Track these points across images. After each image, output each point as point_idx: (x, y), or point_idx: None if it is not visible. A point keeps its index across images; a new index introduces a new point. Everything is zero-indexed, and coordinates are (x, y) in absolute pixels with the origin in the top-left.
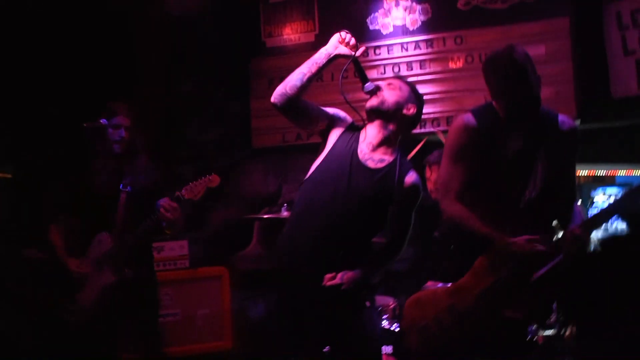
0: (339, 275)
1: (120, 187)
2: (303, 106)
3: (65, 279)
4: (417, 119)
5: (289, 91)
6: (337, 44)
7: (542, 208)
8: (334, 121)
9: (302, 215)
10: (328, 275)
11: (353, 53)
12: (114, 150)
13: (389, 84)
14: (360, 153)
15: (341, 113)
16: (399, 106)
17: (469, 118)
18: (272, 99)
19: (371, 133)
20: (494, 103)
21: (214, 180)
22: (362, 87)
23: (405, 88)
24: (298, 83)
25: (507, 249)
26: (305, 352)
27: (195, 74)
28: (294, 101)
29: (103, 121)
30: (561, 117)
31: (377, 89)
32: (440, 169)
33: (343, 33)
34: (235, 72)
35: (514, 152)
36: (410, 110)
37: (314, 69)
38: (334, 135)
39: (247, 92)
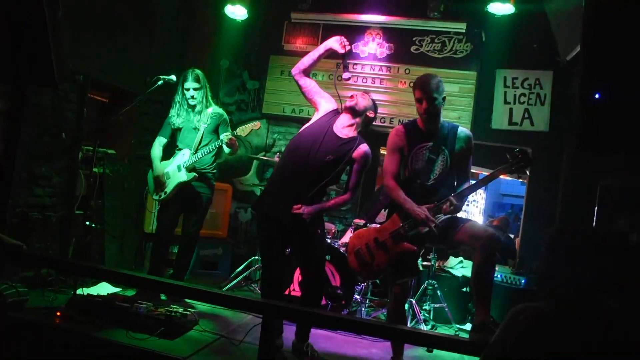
0: (303, 207)
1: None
2: (309, 81)
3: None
4: (372, 120)
5: (301, 66)
6: (335, 42)
7: (440, 186)
8: (326, 101)
9: (286, 162)
10: (296, 206)
11: (344, 50)
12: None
13: (363, 95)
14: (334, 127)
15: (332, 100)
16: (365, 109)
17: (400, 128)
18: (292, 71)
19: (344, 119)
20: (418, 120)
21: (258, 125)
22: (342, 74)
23: (371, 101)
24: (306, 61)
25: (412, 213)
26: (275, 251)
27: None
28: (305, 73)
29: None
30: (460, 128)
31: (349, 78)
32: (384, 158)
33: (342, 38)
34: (259, 62)
35: (427, 150)
36: (370, 114)
37: (316, 55)
38: (322, 111)
39: (265, 76)
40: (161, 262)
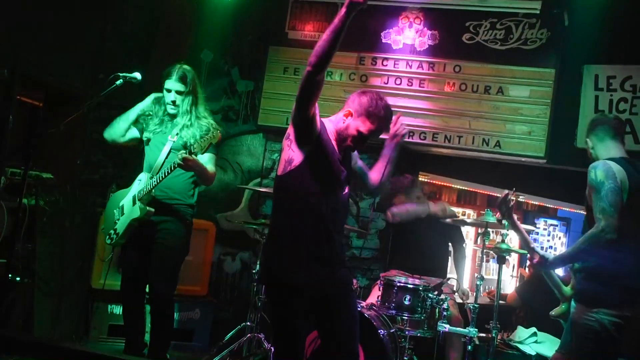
0: None
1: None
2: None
3: None
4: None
5: (328, 56)
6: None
7: None
8: (319, 124)
9: (308, 209)
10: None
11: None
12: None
13: None
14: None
15: None
16: None
17: None
18: (314, 61)
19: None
20: None
21: (217, 137)
22: None
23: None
24: (333, 44)
25: None
26: (302, 327)
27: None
28: (328, 63)
29: None
30: None
31: None
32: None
33: None
34: (254, 56)
35: None
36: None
37: (340, 35)
38: (324, 138)
39: (262, 75)
40: (134, 334)
